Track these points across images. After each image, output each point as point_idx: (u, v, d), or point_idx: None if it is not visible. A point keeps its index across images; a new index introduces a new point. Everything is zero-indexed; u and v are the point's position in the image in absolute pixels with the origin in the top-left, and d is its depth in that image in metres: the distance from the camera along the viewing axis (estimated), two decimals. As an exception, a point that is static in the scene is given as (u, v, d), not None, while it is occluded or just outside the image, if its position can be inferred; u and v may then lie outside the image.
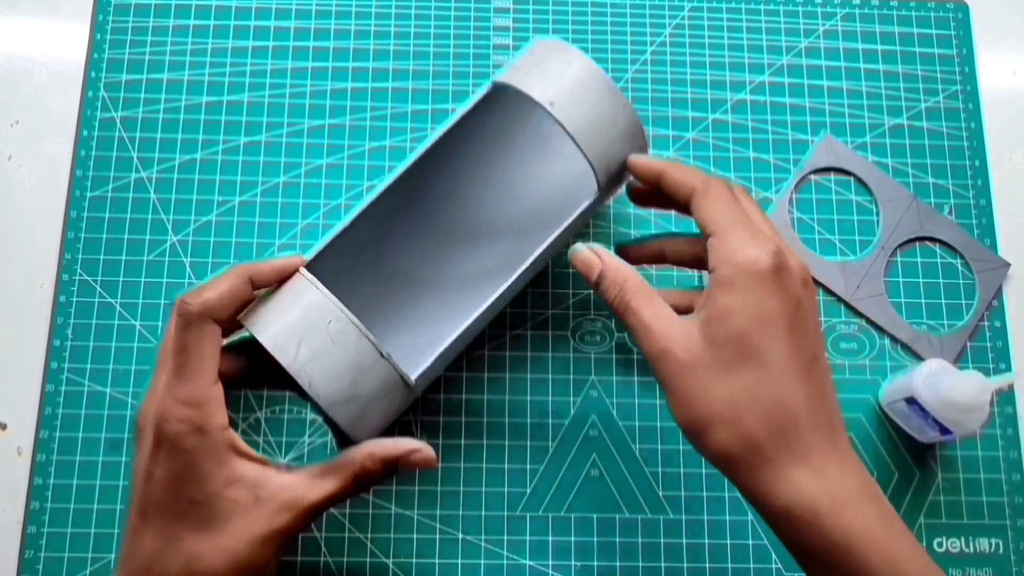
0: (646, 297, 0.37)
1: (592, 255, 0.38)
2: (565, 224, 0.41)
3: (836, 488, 0.34)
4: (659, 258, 0.43)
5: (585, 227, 0.49)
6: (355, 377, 0.37)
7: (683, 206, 0.39)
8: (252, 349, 0.39)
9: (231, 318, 0.37)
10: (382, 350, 0.37)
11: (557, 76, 0.40)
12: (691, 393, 0.35)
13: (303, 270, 0.39)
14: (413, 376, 0.38)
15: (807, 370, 0.35)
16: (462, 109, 0.42)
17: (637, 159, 0.41)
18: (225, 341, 0.37)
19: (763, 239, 0.36)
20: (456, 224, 0.47)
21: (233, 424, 0.36)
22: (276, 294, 0.38)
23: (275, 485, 0.36)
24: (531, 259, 0.41)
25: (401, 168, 0.41)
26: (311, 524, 0.36)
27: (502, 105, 0.44)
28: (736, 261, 0.35)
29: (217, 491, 0.35)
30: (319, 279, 0.38)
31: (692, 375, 0.35)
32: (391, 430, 0.39)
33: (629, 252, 0.44)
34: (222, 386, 0.37)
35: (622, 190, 0.44)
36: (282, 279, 0.39)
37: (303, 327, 0.37)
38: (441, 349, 0.40)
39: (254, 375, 0.40)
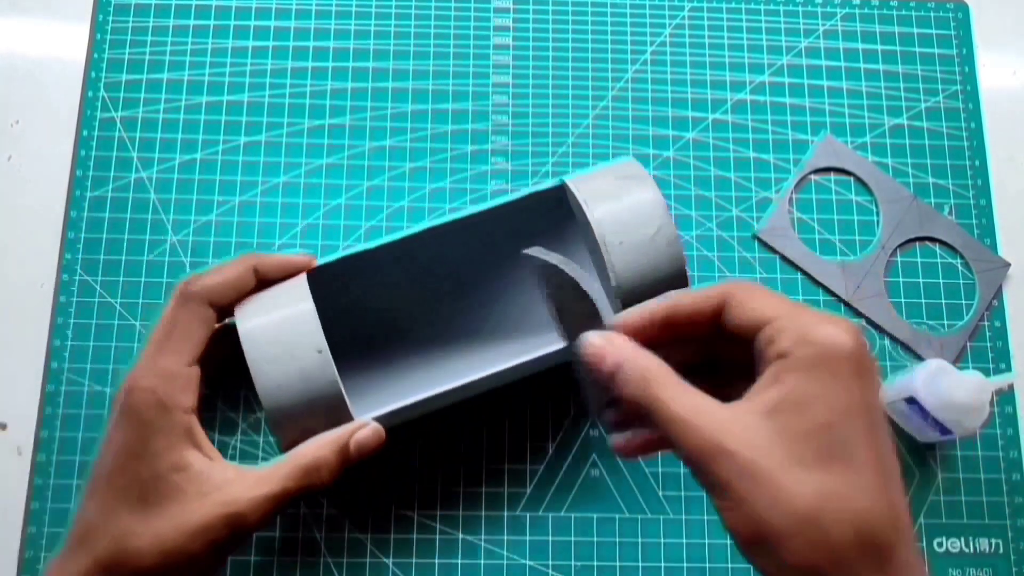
0: (676, 387, 0.30)
1: (604, 343, 0.32)
2: (558, 347, 0.39)
3: None
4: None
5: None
6: (309, 399, 0.36)
7: (702, 335, 0.33)
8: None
9: (230, 305, 0.37)
10: (344, 391, 0.36)
11: (623, 213, 0.37)
12: (760, 498, 0.28)
13: (304, 276, 0.38)
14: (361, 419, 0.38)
15: (889, 473, 0.30)
16: (517, 194, 0.41)
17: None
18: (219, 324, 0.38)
19: (838, 317, 0.31)
20: (462, 304, 0.46)
21: (205, 423, 0.36)
22: (275, 289, 0.38)
23: (219, 480, 0.35)
24: (498, 368, 0.38)
25: (436, 222, 0.41)
26: (262, 525, 0.35)
27: (556, 204, 0.42)
28: (818, 340, 0.30)
29: (162, 473, 0.34)
30: (321, 287, 0.37)
31: (761, 476, 0.28)
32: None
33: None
34: (199, 371, 0.36)
35: None
36: (287, 276, 0.39)
37: (282, 335, 0.36)
38: (383, 411, 0.38)
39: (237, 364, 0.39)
